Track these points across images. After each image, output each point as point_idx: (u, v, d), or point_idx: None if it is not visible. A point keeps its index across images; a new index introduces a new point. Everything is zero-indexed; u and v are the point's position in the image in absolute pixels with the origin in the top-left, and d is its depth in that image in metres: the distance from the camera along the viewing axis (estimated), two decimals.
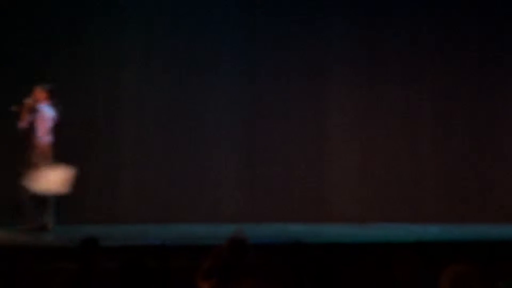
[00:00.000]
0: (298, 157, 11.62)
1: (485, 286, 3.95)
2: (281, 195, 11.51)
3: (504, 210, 11.50)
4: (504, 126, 11.86)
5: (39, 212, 9.79)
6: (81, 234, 6.25)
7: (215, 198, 11.41)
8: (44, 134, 9.82)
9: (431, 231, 10.40)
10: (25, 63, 10.77)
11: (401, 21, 11.86)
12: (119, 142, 11.34)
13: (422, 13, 11.85)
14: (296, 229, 10.47)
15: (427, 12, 11.85)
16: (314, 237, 9.28)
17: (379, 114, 11.77)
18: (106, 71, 11.29)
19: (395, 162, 11.74)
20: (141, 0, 11.50)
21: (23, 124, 9.80)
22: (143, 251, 7.85)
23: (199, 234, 9.90)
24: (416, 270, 5.16)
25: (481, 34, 11.85)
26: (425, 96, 11.86)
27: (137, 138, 11.40)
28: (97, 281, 5.57)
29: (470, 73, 11.86)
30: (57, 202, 9.80)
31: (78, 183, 9.78)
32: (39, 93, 9.86)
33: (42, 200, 9.77)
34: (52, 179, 9.68)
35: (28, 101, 9.79)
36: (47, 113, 9.85)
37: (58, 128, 9.88)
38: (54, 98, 9.85)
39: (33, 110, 9.80)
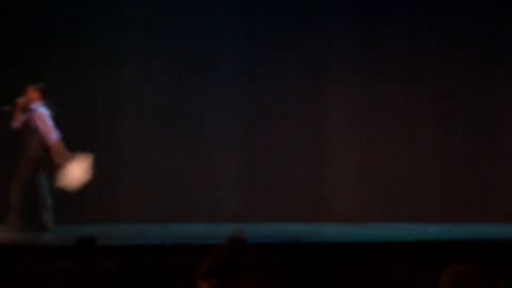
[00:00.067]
0: (298, 157, 11.61)
1: (485, 286, 3.95)
2: (281, 195, 11.50)
3: (504, 210, 11.50)
4: (504, 126, 11.85)
5: (38, 212, 9.80)
6: (80, 234, 6.25)
7: (215, 198, 11.41)
8: (50, 133, 9.81)
9: (431, 231, 10.40)
10: (25, 63, 10.76)
11: (401, 21, 11.85)
12: (119, 142, 11.33)
13: (422, 13, 11.84)
14: (296, 229, 10.46)
15: (427, 12, 11.84)
16: (314, 237, 9.29)
17: (379, 114, 11.76)
18: (106, 71, 11.29)
19: (395, 162, 11.73)
20: (141, 0, 11.50)
21: (16, 123, 9.78)
22: (143, 251, 7.85)
23: (199, 234, 9.88)
24: (416, 270, 5.16)
25: (481, 34, 11.84)
26: (425, 96, 11.85)
27: (137, 138, 11.39)
28: (97, 280, 5.57)
29: (470, 73, 11.84)
30: (55, 201, 9.82)
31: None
32: (32, 92, 9.84)
33: (40, 201, 9.78)
34: (78, 171, 9.75)
35: (21, 100, 9.78)
36: (44, 112, 9.84)
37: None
38: (47, 98, 9.84)
39: (26, 110, 9.79)
